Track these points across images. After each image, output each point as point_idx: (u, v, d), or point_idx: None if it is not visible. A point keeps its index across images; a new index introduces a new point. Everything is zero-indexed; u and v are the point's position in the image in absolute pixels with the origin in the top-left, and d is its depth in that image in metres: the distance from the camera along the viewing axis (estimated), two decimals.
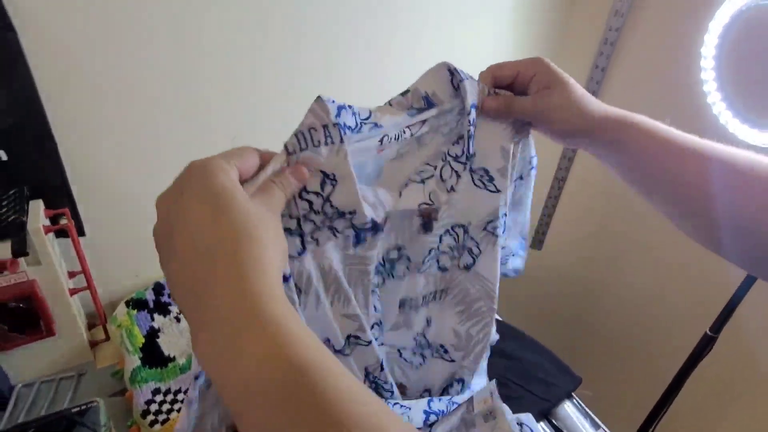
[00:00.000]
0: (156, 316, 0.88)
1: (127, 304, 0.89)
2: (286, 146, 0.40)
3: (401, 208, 0.50)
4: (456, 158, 0.52)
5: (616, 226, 1.37)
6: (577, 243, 1.50)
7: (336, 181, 0.42)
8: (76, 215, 0.83)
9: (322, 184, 0.41)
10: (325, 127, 0.40)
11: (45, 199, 0.79)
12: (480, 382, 0.63)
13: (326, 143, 0.40)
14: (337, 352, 0.48)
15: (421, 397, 0.61)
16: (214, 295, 0.29)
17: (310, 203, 0.42)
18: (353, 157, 0.42)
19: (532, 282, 1.65)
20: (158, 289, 0.92)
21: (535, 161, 0.58)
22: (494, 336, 0.62)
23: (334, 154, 0.41)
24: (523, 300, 1.62)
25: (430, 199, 0.52)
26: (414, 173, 0.52)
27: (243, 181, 0.35)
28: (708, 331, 0.98)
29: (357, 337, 0.49)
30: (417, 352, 0.60)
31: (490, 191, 0.55)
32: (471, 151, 0.52)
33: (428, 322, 0.60)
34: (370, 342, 0.49)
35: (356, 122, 0.42)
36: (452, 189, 0.52)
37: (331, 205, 0.42)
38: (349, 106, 0.42)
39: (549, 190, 1.48)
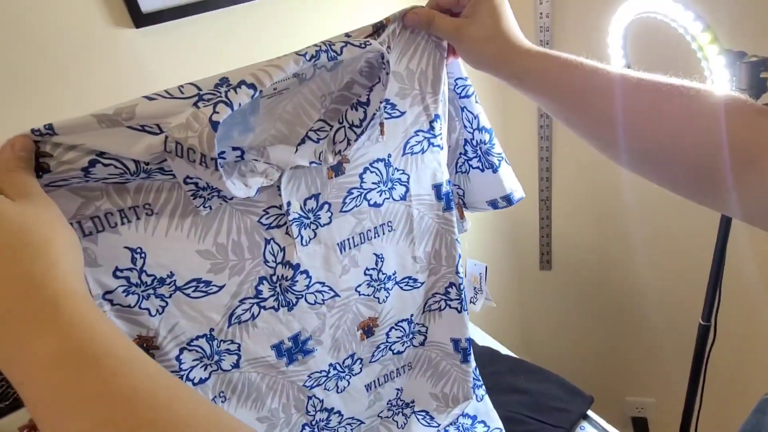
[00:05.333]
0: None
1: None
2: (165, 145, 0.39)
3: (296, 163, 0.50)
4: (351, 125, 0.52)
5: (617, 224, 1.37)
6: (584, 256, 1.51)
7: (215, 188, 0.45)
8: None
9: (197, 184, 0.44)
10: (203, 155, 0.40)
11: None
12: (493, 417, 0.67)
13: (201, 163, 0.41)
14: (178, 289, 0.50)
15: (400, 324, 0.67)
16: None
17: (196, 184, 0.45)
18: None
19: (542, 306, 1.65)
20: None
21: (468, 88, 0.59)
22: (467, 225, 0.67)
23: (209, 174, 0.42)
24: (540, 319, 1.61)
25: (318, 159, 0.51)
26: (312, 131, 0.52)
27: None
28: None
29: (207, 282, 0.51)
30: (376, 287, 0.63)
31: (395, 117, 0.56)
32: (373, 121, 0.52)
33: (378, 257, 0.62)
34: (221, 288, 0.51)
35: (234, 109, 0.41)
36: (339, 153, 0.52)
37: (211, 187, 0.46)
38: (231, 109, 0.40)
39: (539, 212, 1.51)
